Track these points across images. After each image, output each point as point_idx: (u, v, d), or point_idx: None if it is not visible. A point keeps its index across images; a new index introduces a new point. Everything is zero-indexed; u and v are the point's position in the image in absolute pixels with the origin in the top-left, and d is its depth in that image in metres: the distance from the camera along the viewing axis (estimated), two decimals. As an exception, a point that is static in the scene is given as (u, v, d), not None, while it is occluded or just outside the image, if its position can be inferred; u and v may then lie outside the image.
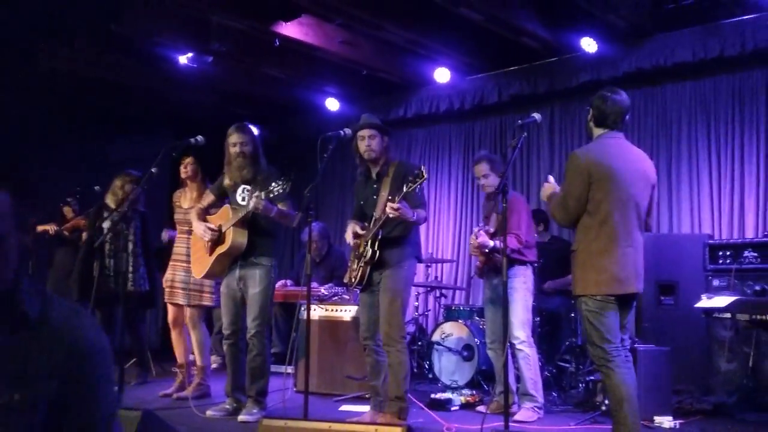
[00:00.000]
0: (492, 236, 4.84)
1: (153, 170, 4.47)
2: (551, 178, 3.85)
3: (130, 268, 5.52)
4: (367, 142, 4.36)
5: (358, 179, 4.68)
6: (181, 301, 5.29)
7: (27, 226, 6.73)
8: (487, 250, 4.87)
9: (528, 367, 4.84)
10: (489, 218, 5.05)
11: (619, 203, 3.46)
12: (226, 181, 4.71)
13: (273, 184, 4.27)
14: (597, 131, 3.61)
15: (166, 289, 5.36)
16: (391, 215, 4.06)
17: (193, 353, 5.44)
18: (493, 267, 4.95)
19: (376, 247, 4.24)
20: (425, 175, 4.02)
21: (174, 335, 5.47)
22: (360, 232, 4.33)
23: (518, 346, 4.86)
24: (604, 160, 3.49)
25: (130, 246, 5.50)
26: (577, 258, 3.53)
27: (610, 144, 3.57)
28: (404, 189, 4.07)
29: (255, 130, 4.94)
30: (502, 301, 4.95)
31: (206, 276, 4.74)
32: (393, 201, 4.08)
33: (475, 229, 4.96)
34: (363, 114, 4.61)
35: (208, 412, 4.55)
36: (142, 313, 6.28)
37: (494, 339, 4.93)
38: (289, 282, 6.75)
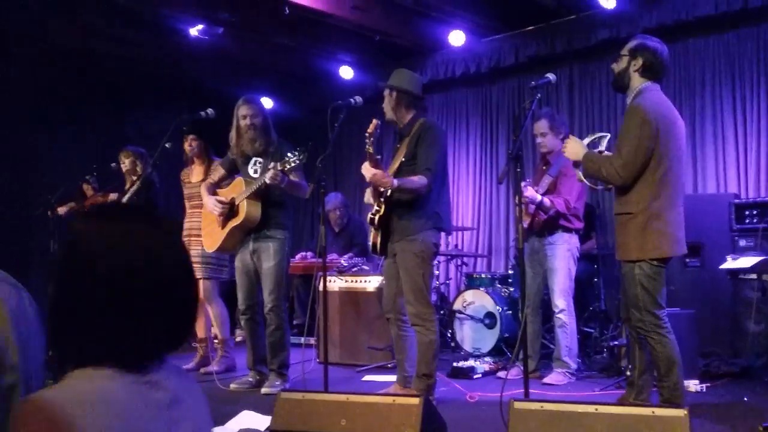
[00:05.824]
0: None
1: (167, 145, 4.43)
2: (573, 137, 3.70)
3: None
4: (383, 104, 4.25)
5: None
6: (200, 274, 5.29)
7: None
8: (533, 206, 4.77)
9: (565, 335, 4.80)
10: (540, 181, 4.95)
11: (676, 160, 3.38)
12: (236, 155, 4.65)
13: (289, 154, 4.21)
14: (640, 81, 3.44)
15: None
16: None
17: (213, 327, 5.44)
18: (538, 229, 4.87)
19: (382, 212, 4.05)
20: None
21: None
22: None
23: (558, 315, 4.81)
24: (667, 113, 3.39)
25: None
26: (636, 221, 3.35)
27: (664, 97, 3.46)
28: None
29: (265, 102, 4.86)
30: (541, 267, 4.93)
31: (219, 250, 4.72)
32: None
33: (522, 183, 4.84)
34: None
35: (232, 385, 4.59)
36: None
37: (528, 304, 4.72)
38: (309, 254, 6.74)
